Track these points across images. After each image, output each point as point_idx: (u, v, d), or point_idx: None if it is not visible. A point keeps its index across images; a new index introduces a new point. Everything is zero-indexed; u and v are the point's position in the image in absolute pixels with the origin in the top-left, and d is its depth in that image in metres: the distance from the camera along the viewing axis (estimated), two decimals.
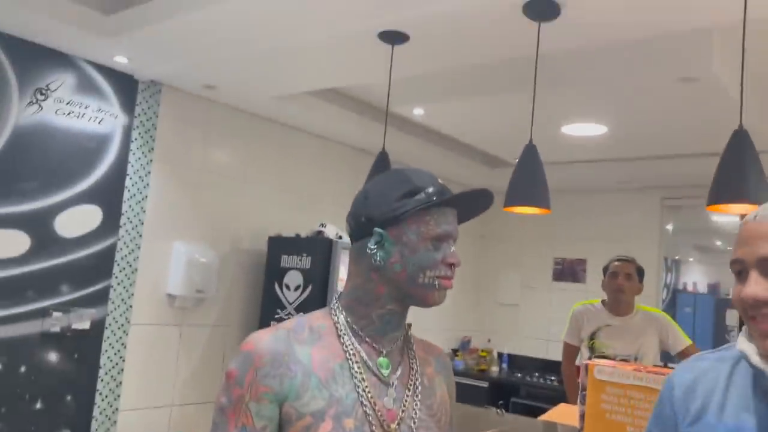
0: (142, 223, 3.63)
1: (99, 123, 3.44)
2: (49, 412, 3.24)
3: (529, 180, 2.53)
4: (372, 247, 1.08)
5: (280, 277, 4.00)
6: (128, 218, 3.56)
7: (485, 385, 5.47)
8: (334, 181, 4.75)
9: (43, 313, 3.20)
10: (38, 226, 3.19)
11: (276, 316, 3.96)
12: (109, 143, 3.49)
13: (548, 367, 5.52)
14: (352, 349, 1.07)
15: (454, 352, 6.03)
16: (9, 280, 3.09)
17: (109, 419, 3.49)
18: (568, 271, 5.82)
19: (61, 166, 3.28)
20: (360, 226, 1.11)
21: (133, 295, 3.58)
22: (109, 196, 3.48)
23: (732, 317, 4.98)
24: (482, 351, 5.93)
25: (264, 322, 4.00)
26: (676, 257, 5.55)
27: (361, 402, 1.03)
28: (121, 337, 3.54)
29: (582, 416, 1.98)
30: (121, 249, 3.53)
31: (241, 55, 3.14)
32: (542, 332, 5.79)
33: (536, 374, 5.57)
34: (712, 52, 2.78)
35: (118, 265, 3.52)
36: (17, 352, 3.12)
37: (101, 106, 3.44)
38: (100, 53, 3.28)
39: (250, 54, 3.11)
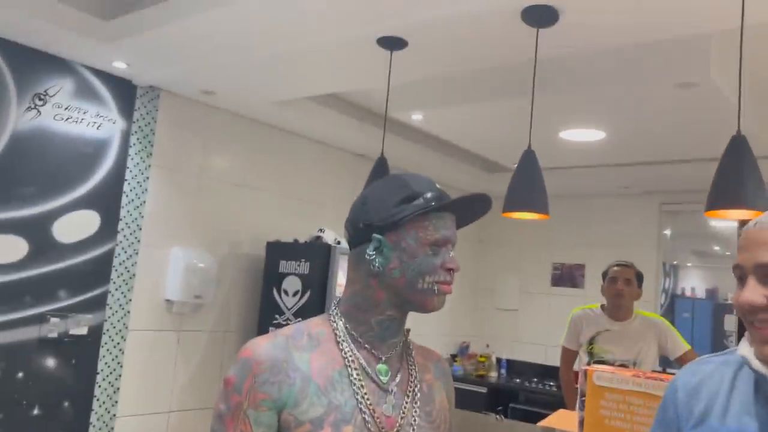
0: (140, 229, 3.62)
1: (97, 128, 3.43)
2: (46, 418, 3.22)
3: (527, 185, 2.53)
4: (371, 253, 1.08)
5: (279, 282, 3.99)
6: (126, 224, 3.55)
7: (484, 390, 5.45)
8: (332, 187, 4.74)
9: (41, 318, 3.19)
10: (36, 232, 3.18)
11: (274, 321, 3.95)
12: (108, 148, 3.49)
13: (547, 372, 5.51)
14: (351, 356, 1.07)
15: (453, 357, 6.01)
16: (6, 285, 3.08)
17: (107, 425, 3.47)
18: (567, 277, 5.82)
19: (59, 172, 3.27)
20: (358, 232, 1.10)
21: (130, 300, 3.57)
22: (107, 201, 3.47)
23: (730, 322, 4.98)
24: (481, 356, 5.91)
25: (262, 327, 3.99)
26: (675, 262, 5.55)
27: (360, 409, 1.03)
28: (118, 343, 3.52)
29: (581, 422, 1.98)
30: (119, 254, 3.52)
31: (239, 61, 3.14)
32: (541, 337, 5.79)
33: (535, 380, 5.56)
34: (710, 58, 2.79)
35: (116, 270, 3.51)
36: (15, 357, 3.11)
37: (100, 111, 3.44)
38: (98, 58, 3.28)
39: (249, 59, 3.10)
